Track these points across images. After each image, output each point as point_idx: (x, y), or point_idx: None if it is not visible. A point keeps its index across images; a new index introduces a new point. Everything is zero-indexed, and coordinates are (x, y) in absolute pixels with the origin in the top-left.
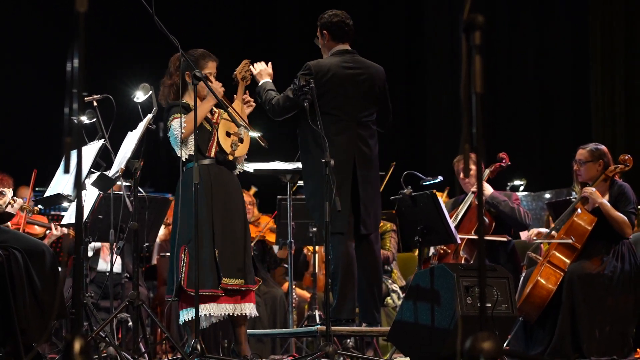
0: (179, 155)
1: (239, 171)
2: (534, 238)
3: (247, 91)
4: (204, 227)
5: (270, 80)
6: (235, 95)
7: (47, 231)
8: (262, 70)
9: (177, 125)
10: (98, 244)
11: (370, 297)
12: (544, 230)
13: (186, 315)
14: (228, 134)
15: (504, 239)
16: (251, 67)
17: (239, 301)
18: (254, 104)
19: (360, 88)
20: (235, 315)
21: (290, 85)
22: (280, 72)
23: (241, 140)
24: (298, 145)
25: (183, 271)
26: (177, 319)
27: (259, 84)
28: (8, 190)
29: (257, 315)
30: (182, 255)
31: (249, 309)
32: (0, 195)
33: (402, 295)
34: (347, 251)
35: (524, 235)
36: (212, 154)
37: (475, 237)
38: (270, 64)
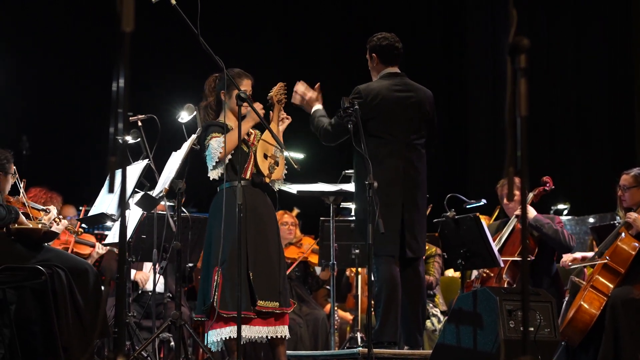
0: (209, 175)
1: (277, 188)
2: (569, 264)
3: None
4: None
5: (321, 107)
6: (270, 117)
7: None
8: (311, 99)
9: (216, 144)
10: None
11: (413, 320)
12: (579, 255)
13: (215, 336)
14: (265, 156)
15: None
16: (297, 91)
17: (272, 324)
18: (290, 119)
19: (409, 111)
20: (269, 337)
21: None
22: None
23: (277, 163)
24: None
25: (216, 292)
26: None
27: (311, 113)
28: (53, 208)
29: (289, 336)
30: (215, 277)
31: (283, 331)
32: (45, 213)
33: (442, 319)
34: (392, 274)
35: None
36: (248, 176)
37: (519, 259)
38: (318, 85)
